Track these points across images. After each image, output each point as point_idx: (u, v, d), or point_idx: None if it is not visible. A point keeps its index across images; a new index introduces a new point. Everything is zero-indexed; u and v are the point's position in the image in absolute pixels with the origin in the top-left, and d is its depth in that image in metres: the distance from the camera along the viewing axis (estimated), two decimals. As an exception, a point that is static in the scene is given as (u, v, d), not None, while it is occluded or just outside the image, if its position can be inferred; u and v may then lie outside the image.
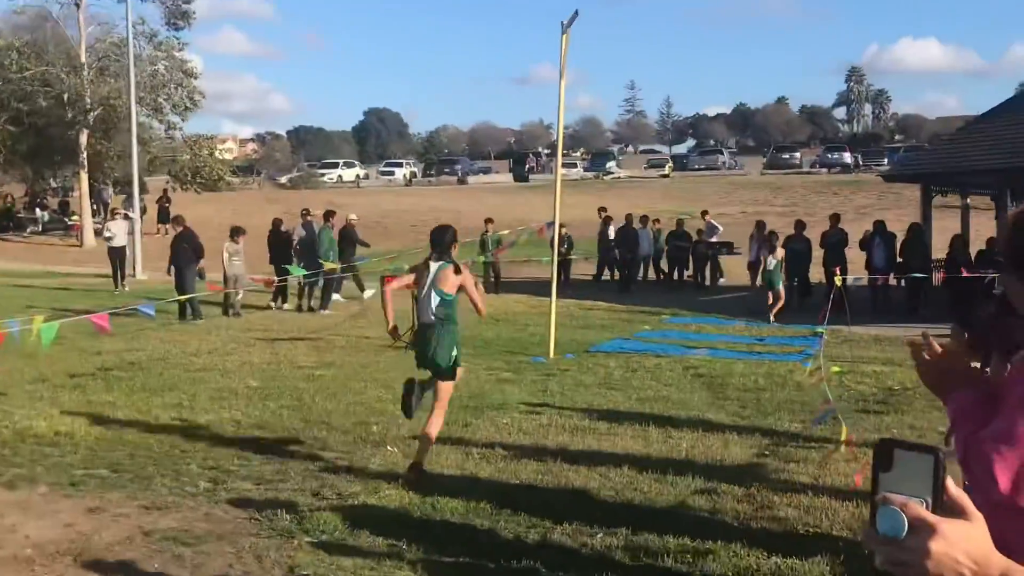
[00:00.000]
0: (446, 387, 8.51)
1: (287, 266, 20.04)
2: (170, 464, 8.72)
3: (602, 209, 29.94)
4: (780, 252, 20.69)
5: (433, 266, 8.44)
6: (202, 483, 8.11)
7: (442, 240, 8.56)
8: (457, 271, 8.40)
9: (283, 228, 23.33)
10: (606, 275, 28.87)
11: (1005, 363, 2.73)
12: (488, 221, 26.78)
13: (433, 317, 8.41)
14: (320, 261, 20.61)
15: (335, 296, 22.79)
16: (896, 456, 1.44)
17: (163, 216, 39.99)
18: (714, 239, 28.73)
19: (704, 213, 29.79)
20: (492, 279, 25.97)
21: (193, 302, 19.30)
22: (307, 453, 9.17)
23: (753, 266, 24.56)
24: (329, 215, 22.94)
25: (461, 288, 8.43)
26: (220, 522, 7.14)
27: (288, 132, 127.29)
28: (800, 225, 23.83)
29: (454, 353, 8.45)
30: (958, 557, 1.38)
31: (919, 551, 1.38)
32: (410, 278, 8.57)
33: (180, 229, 20.74)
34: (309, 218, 23.11)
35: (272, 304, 22.14)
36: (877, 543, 1.41)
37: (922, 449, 1.42)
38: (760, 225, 24.30)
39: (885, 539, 1.40)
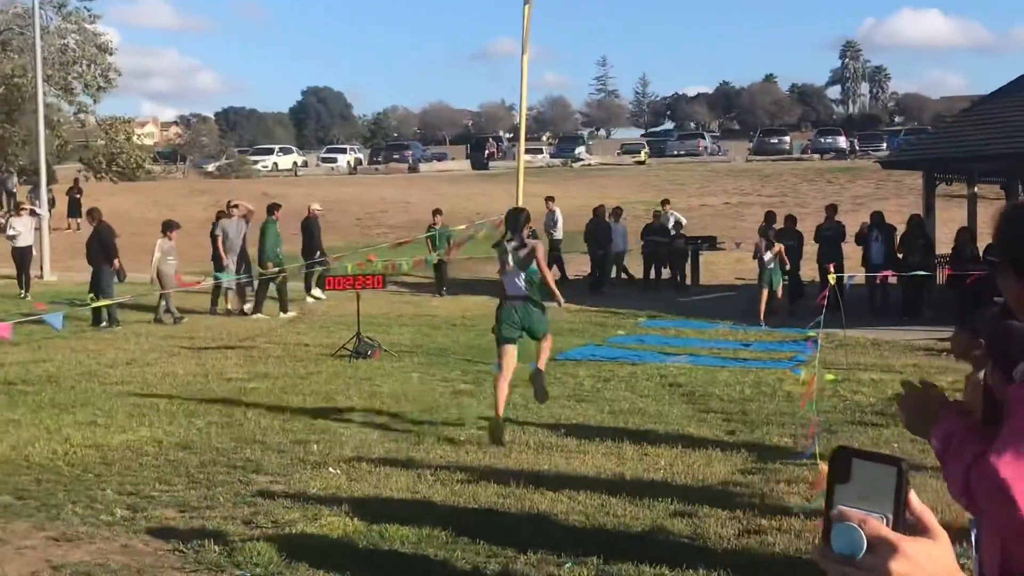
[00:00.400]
0: (548, 337, 10.94)
1: (219, 272, 20.05)
2: (83, 490, 8.64)
3: (549, 199, 29.72)
4: (778, 247, 20.73)
5: (510, 246, 10.49)
6: (119, 511, 8.04)
7: (517, 222, 10.66)
8: (530, 245, 10.55)
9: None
10: (578, 274, 28.85)
11: (1005, 374, 2.76)
12: (436, 213, 26.62)
13: (522, 291, 10.53)
14: (266, 260, 20.73)
15: (315, 295, 22.91)
16: (854, 467, 1.43)
17: (74, 209, 39.51)
18: (676, 233, 28.67)
19: (664, 203, 29.63)
20: (437, 279, 25.93)
21: (110, 307, 19.13)
22: (238, 476, 9.12)
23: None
24: (274, 208, 22.78)
25: (533, 258, 10.46)
26: (139, 555, 7.09)
27: (216, 114, 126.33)
28: (791, 220, 23.93)
29: (545, 324, 10.82)
30: None
31: (878, 572, 1.37)
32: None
33: (96, 224, 20.54)
34: (234, 210, 22.87)
35: (217, 308, 21.93)
36: (832, 562, 1.40)
37: (883, 460, 1.42)
38: (769, 217, 24.14)
39: (841, 558, 1.39)
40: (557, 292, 11.22)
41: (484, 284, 26.84)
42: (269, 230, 22.21)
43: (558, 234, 28.55)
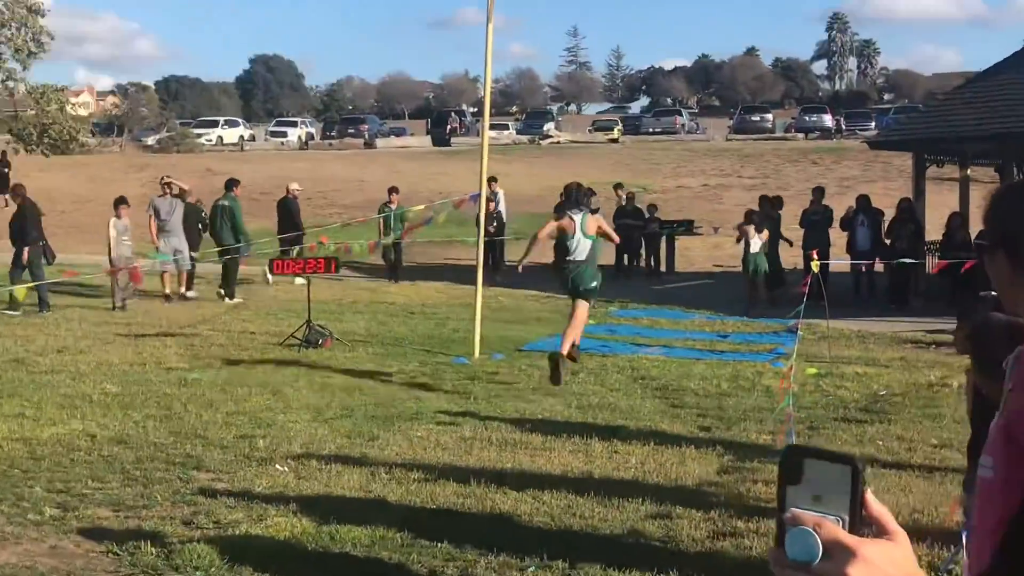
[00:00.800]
0: (584, 305, 12.74)
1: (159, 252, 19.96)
2: (9, 487, 8.59)
3: (492, 179, 29.53)
4: (766, 233, 20.81)
5: (577, 216, 12.44)
6: (48, 510, 8.00)
7: (578, 194, 12.92)
8: (595, 214, 12.88)
9: (192, 200, 23.17)
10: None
11: (984, 372, 2.77)
12: (392, 191, 26.49)
13: (585, 255, 12.45)
14: (246, 239, 20.80)
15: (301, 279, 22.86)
16: (806, 467, 1.43)
17: (2, 185, 39.15)
18: (650, 216, 28.67)
19: (617, 187, 29.45)
20: (390, 262, 25.89)
21: (40, 290, 18.96)
22: (177, 474, 9.09)
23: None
24: (233, 184, 22.71)
25: (600, 229, 12.68)
26: (70, 557, 7.06)
27: (157, 83, 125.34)
28: (769, 202, 23.83)
29: (596, 282, 12.73)
30: None
31: None
32: (553, 225, 12.58)
33: (21, 201, 20.31)
34: (167, 188, 22.64)
35: (176, 294, 21.78)
36: (787, 568, 1.41)
37: (836, 458, 1.42)
38: (764, 201, 24.02)
39: (796, 564, 1.40)
40: (616, 237, 14.04)
41: (444, 270, 26.87)
42: (236, 207, 22.17)
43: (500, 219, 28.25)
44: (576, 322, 12.62)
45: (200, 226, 22.94)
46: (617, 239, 14.02)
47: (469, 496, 8.44)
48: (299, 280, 22.27)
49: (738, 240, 21.28)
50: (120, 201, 21.11)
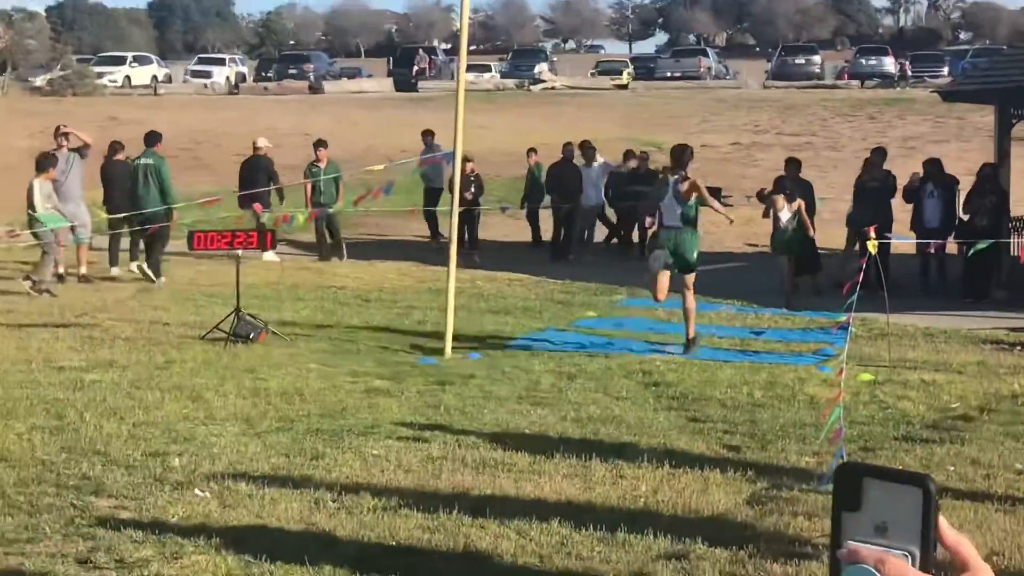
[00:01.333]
0: (691, 276, 15.42)
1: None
2: None
3: (427, 132, 29.41)
4: (798, 202, 20.48)
5: (671, 178, 15.30)
6: (-92, 544, 7.98)
7: (681, 158, 15.51)
8: (687, 179, 15.25)
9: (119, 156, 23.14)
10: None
11: None
12: (318, 145, 26.21)
13: (677, 222, 15.21)
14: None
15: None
16: (866, 489, 1.43)
17: None
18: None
19: (628, 155, 29.17)
20: (325, 239, 25.76)
21: None
22: (71, 499, 9.06)
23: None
24: (155, 138, 22.62)
25: (697, 195, 15.31)
26: (-65, 604, 7.04)
27: (49, 8, 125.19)
28: (795, 165, 23.49)
29: (696, 254, 15.42)
30: None
31: None
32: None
33: None
34: (63, 140, 22.60)
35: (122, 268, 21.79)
36: None
37: (904, 478, 1.42)
38: (790, 164, 23.51)
39: None
40: (724, 210, 17.11)
41: (408, 247, 26.83)
42: (163, 167, 22.07)
43: (438, 183, 28.50)
44: (691, 311, 15.52)
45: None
46: (715, 204, 16.76)
47: (438, 530, 8.44)
48: (268, 256, 22.33)
49: (765, 214, 21.10)
50: (46, 161, 20.87)
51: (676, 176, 15.33)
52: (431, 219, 28.26)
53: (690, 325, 15.52)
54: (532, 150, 28.82)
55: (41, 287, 19.45)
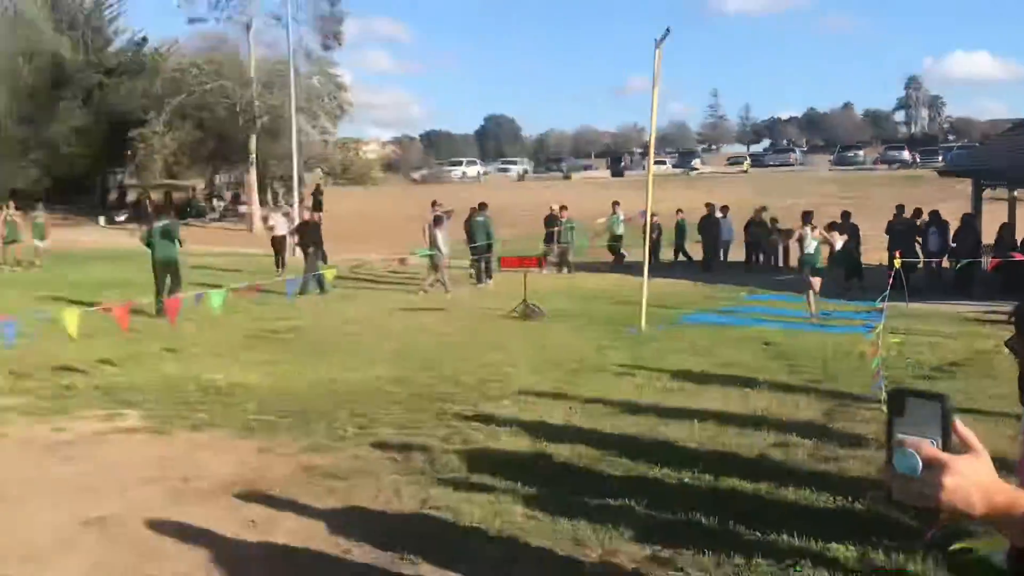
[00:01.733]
0: (817, 280, 16.12)
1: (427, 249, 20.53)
2: (325, 412, 8.88)
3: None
4: (818, 232, 18.39)
5: (807, 228, 16.52)
6: (351, 429, 8.26)
7: (806, 216, 16.81)
8: (815, 228, 16.75)
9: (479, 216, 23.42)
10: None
11: None
12: (562, 208, 26.38)
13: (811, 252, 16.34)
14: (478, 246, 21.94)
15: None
16: (908, 403, 1.41)
17: (316, 205, 40.74)
18: (772, 227, 27.73)
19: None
20: (561, 263, 25.57)
21: (320, 278, 19.57)
22: (438, 406, 9.24)
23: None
24: (484, 206, 23.38)
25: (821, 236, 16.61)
26: (366, 461, 7.28)
27: (421, 136, 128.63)
28: (846, 215, 23.06)
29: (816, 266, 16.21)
30: (969, 488, 1.38)
31: (935, 485, 1.37)
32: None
33: (309, 219, 22.07)
34: (439, 208, 23.10)
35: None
36: (896, 480, 1.40)
37: (930, 397, 1.41)
38: (806, 215, 21.77)
39: (903, 476, 1.39)
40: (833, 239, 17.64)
41: (607, 266, 26.70)
42: (490, 222, 22.98)
43: (620, 230, 28.11)
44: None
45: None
46: (834, 241, 17.68)
47: (641, 425, 8.36)
48: (545, 271, 22.65)
49: (798, 240, 19.02)
50: (442, 219, 21.20)
51: (809, 225, 16.60)
52: (615, 250, 27.98)
53: (812, 305, 15.76)
54: (679, 210, 28.18)
55: (432, 287, 20.41)
